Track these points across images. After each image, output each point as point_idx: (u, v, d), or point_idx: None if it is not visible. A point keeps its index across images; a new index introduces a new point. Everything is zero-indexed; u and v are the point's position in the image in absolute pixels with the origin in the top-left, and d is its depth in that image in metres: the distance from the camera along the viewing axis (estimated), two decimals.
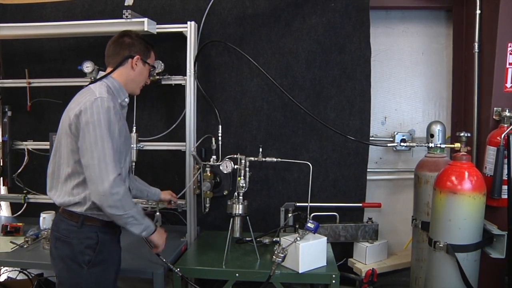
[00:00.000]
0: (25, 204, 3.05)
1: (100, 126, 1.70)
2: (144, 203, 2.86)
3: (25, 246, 2.51)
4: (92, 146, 1.70)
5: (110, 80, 1.90)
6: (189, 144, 2.77)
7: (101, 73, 1.99)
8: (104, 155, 1.69)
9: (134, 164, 2.74)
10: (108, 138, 1.71)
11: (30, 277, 2.94)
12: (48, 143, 2.88)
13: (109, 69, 1.94)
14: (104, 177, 1.68)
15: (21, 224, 2.72)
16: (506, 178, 2.36)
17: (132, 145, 2.74)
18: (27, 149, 3.05)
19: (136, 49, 1.95)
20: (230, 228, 2.38)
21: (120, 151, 1.82)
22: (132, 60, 1.93)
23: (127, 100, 1.98)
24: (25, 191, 3.06)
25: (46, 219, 2.70)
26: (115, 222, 1.80)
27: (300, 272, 2.20)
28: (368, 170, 2.96)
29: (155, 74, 2.72)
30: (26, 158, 3.05)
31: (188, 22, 2.73)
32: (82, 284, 1.80)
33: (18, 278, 3.08)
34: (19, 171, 3.07)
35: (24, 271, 2.95)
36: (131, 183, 2.29)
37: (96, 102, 1.73)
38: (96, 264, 1.80)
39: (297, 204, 2.87)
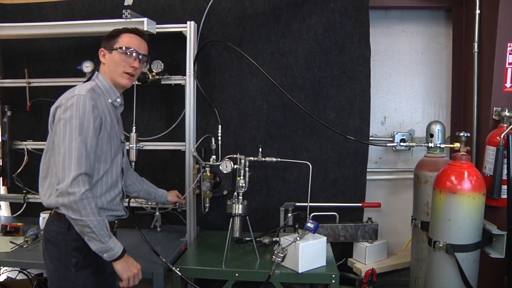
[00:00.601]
0: (25, 204, 3.05)
1: (70, 123, 1.66)
2: (144, 202, 2.87)
3: (24, 246, 2.51)
4: (60, 143, 1.67)
5: (100, 79, 1.88)
6: (189, 144, 2.77)
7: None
8: (70, 152, 1.64)
9: (134, 164, 2.74)
10: (77, 135, 1.66)
11: (30, 277, 2.95)
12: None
13: None
14: (66, 174, 1.63)
15: (20, 224, 2.73)
16: (506, 178, 2.36)
17: (131, 145, 2.76)
18: (27, 149, 3.04)
19: (102, 43, 1.92)
20: (229, 228, 2.38)
21: (102, 151, 1.79)
22: (100, 56, 1.91)
23: (119, 100, 1.93)
24: (24, 191, 3.06)
25: (45, 219, 2.67)
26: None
27: (299, 272, 2.20)
28: (367, 170, 2.96)
29: (153, 70, 2.71)
30: (25, 158, 3.05)
31: (188, 22, 2.73)
32: (70, 286, 1.77)
33: (17, 278, 3.08)
34: (18, 171, 3.06)
35: (24, 271, 2.95)
36: (138, 185, 2.31)
37: (72, 99, 1.70)
38: (83, 267, 1.77)
39: (297, 204, 2.86)
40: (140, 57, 1.92)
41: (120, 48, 1.87)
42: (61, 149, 1.66)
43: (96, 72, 1.92)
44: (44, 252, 1.84)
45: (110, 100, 1.88)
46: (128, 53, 1.88)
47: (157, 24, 2.67)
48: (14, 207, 3.17)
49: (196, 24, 2.80)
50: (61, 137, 1.67)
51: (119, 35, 1.91)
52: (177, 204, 2.66)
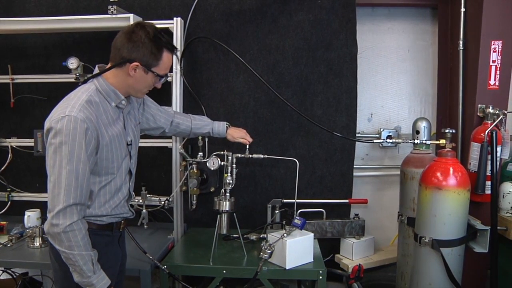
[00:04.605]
0: (9, 202, 3.00)
1: (60, 149, 1.56)
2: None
3: (9, 245, 2.48)
4: (50, 169, 1.59)
5: (100, 82, 1.70)
6: (176, 141, 2.76)
7: (98, 69, 1.76)
8: (59, 182, 1.56)
9: None
10: (66, 164, 1.56)
11: (14, 276, 2.91)
12: (32, 140, 2.84)
13: (108, 65, 1.72)
14: (55, 204, 1.56)
15: (4, 222, 2.69)
16: (490, 174, 2.39)
17: None
18: (11, 146, 3.00)
19: (139, 54, 1.66)
20: (217, 225, 2.38)
21: (102, 167, 1.71)
22: (129, 65, 1.66)
23: (124, 102, 1.76)
24: (9, 189, 3.01)
25: (30, 217, 2.66)
26: None
27: (287, 268, 2.21)
28: (354, 166, 2.98)
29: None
30: (9, 155, 3.00)
31: (174, 18, 2.71)
32: (73, 286, 1.70)
33: (1, 277, 3.03)
34: (2, 168, 3.02)
35: (8, 271, 2.91)
36: (187, 125, 2.33)
37: (62, 121, 1.56)
38: None
39: (284, 200, 2.87)
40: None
41: (159, 76, 1.75)
42: (51, 176, 1.59)
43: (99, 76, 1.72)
44: (50, 251, 1.79)
45: (113, 104, 1.73)
46: (161, 79, 1.79)
47: (143, 20, 2.65)
48: None
49: (182, 21, 2.78)
50: (52, 163, 1.59)
51: (162, 54, 1.70)
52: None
